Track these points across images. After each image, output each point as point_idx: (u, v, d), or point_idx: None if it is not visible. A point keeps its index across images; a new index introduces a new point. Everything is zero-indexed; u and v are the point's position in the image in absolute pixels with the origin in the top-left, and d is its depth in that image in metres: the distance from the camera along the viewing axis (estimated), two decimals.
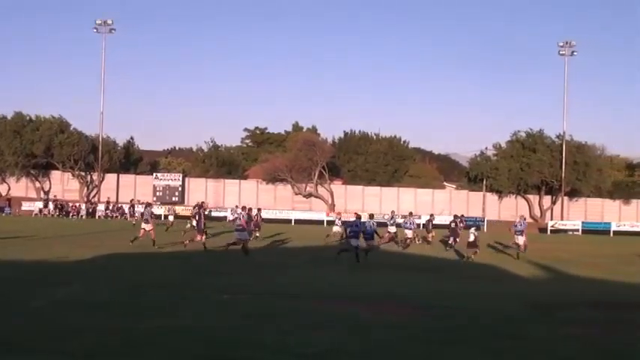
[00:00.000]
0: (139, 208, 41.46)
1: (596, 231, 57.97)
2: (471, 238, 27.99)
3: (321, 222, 53.80)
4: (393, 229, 33.47)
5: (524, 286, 21.01)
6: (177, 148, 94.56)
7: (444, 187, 75.06)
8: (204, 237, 26.45)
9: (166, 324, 11.19)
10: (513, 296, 17.29)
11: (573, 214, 63.01)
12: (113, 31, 60.19)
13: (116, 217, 55.25)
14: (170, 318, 11.93)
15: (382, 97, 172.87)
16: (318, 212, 59.19)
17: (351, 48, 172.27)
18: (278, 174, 61.50)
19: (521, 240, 30.06)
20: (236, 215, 29.22)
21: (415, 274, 22.52)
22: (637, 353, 10.67)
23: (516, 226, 31.16)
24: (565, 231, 57.09)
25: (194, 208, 31.45)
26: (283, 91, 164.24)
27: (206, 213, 29.47)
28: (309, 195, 63.25)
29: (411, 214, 35.82)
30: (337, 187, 65.46)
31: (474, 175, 66.62)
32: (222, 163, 69.20)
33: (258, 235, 33.46)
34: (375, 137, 72.14)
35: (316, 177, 62.47)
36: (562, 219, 61.12)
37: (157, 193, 60.27)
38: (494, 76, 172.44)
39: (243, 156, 78.81)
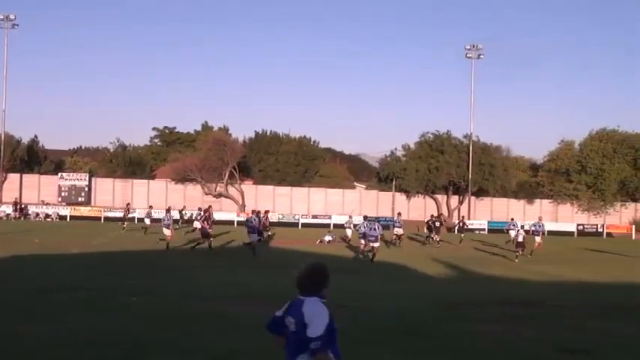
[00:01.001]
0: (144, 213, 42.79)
1: (501, 230, 62.08)
2: (520, 239, 31.96)
3: (231, 222, 54.44)
4: (400, 230, 37.73)
5: (435, 285, 21.94)
6: (83, 148, 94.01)
7: (354, 187, 77.02)
8: (209, 240, 28.90)
9: (68, 327, 11.35)
10: (424, 295, 18.11)
11: (480, 214, 66.12)
12: (16, 26, 59.67)
13: (19, 217, 54.41)
14: (74, 321, 12.06)
15: (293, 97, 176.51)
16: (228, 212, 59.68)
17: (263, 47, 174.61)
18: (188, 174, 62.14)
19: (537, 239, 34.96)
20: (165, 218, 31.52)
21: (330, 275, 23.98)
22: (542, 349, 11.38)
23: (535, 226, 36.40)
24: (472, 230, 59.84)
25: (202, 212, 32.47)
26: (193, 90, 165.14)
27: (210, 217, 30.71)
28: (220, 195, 63.95)
29: (399, 214, 41.05)
30: (248, 187, 66.53)
31: (383, 175, 68.97)
32: (130, 163, 69.35)
33: (270, 234, 38.26)
34: (285, 137, 73.67)
35: (227, 177, 63.43)
36: (469, 218, 62.94)
37: (63, 194, 60.05)
38: (404, 77, 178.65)
39: (152, 156, 78.85)
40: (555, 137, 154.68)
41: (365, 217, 32.91)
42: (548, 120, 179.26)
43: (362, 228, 30.97)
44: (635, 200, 69.89)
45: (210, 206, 33.45)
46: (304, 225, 56.62)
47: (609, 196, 68.05)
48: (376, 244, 28.64)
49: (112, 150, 73.27)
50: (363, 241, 30.48)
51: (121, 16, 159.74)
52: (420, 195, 67.53)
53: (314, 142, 75.24)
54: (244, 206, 62.51)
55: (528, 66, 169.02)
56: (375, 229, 28.80)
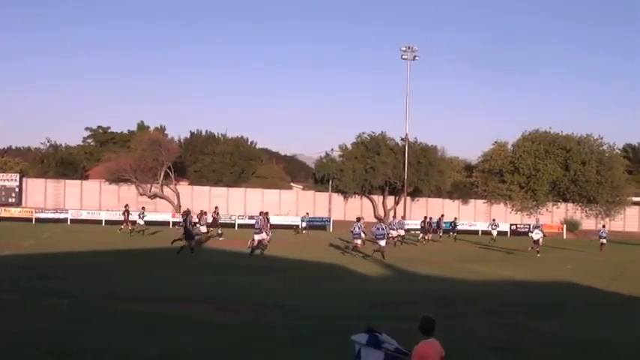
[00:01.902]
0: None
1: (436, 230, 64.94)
2: (535, 237, 38.31)
3: (167, 223, 55.42)
4: (402, 232, 41.83)
5: (369, 284, 22.58)
6: (14, 148, 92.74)
7: (290, 188, 77.70)
8: (192, 242, 29.92)
9: None
10: (358, 294, 18.73)
11: (415, 214, 66.41)
12: None
13: None
14: (1, 324, 12.25)
15: (229, 97, 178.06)
16: (163, 213, 60.33)
17: (199, 46, 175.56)
18: (122, 174, 62.18)
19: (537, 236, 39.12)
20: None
21: (263, 275, 23.68)
22: (471, 347, 11.96)
23: (491, 226, 45.49)
24: (408, 230, 63.12)
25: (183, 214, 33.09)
26: (128, 89, 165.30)
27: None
28: (155, 196, 64.34)
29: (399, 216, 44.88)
30: (183, 187, 66.92)
31: (320, 176, 69.99)
32: (62, 163, 68.82)
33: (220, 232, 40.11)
34: (222, 137, 74.43)
35: (162, 177, 63.68)
36: (404, 218, 67.19)
37: None
38: (341, 78, 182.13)
39: (86, 156, 78.02)
40: (489, 138, 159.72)
41: (358, 219, 35.43)
42: (482, 121, 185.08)
43: (356, 229, 33.87)
44: (565, 200, 72.34)
45: (188, 209, 34.88)
46: (240, 226, 57.22)
47: (541, 197, 70.59)
48: (382, 242, 32.22)
49: (43, 150, 72.62)
50: (358, 241, 33.43)
51: (50, 14, 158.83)
52: (356, 195, 68.87)
53: (251, 142, 76.28)
54: (180, 207, 62.19)
55: (463, 68, 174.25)
56: (382, 228, 32.92)
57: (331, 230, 58.32)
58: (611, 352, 12.12)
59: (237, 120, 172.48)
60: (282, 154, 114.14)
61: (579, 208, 72.41)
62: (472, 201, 71.85)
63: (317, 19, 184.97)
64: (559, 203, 72.65)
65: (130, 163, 62.44)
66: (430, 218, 51.75)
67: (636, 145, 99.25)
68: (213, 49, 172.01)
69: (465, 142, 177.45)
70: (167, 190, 65.26)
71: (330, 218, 63.32)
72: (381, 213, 68.36)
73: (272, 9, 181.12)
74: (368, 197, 69.69)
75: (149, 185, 64.83)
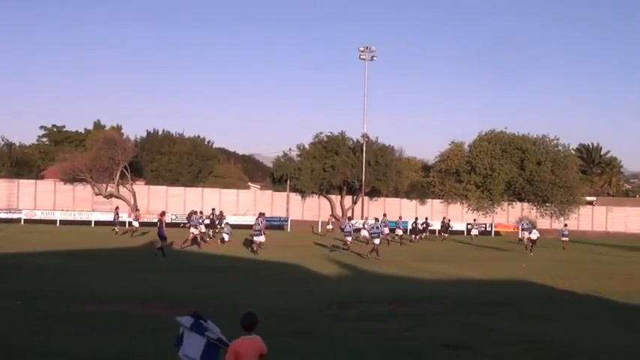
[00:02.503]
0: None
1: (394, 229, 66.32)
2: (534, 237, 43.14)
3: (122, 223, 53.74)
4: (386, 230, 43.56)
5: (327, 284, 22.74)
6: None
7: (248, 188, 78.82)
8: (165, 242, 30.43)
9: None
10: (315, 294, 18.86)
11: (373, 214, 68.43)
12: None
13: None
14: None
15: (187, 97, 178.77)
16: (119, 213, 58.10)
17: (156, 46, 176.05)
18: (77, 174, 61.93)
19: (527, 235, 44.83)
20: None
21: (221, 275, 23.85)
22: (426, 345, 12.10)
23: (522, 225, 48.60)
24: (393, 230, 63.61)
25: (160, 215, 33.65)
26: (83, 88, 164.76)
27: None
28: (110, 195, 64.17)
29: (384, 215, 48.72)
30: (140, 187, 66.84)
31: (278, 175, 70.52)
32: (16, 163, 68.61)
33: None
34: (179, 137, 74.70)
35: (118, 177, 63.62)
36: (362, 218, 64.90)
37: None
38: (300, 78, 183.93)
39: (40, 155, 77.85)
40: (446, 138, 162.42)
41: (349, 218, 39.87)
42: (439, 121, 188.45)
43: (347, 227, 37.01)
44: (521, 200, 73.86)
45: (163, 212, 35.38)
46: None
47: (497, 196, 72.02)
48: (377, 241, 34.10)
49: None
50: (349, 239, 36.02)
51: (6, 11, 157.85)
52: (314, 195, 69.57)
53: (208, 142, 76.54)
54: (136, 207, 62.52)
55: (421, 69, 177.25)
56: (378, 227, 35.26)
57: (289, 230, 58.86)
58: (564, 349, 12.33)
59: (195, 119, 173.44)
60: (240, 153, 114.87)
61: (534, 208, 73.82)
62: (429, 201, 72.87)
63: (276, 19, 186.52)
64: (514, 203, 73.99)
65: (85, 163, 62.31)
66: (416, 219, 55.75)
67: (590, 145, 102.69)
68: (170, 49, 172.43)
69: (423, 143, 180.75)
70: (123, 190, 65.21)
71: (287, 218, 63.75)
72: (339, 213, 68.91)
73: (232, 9, 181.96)
74: (326, 197, 70.31)
75: (105, 185, 64.60)
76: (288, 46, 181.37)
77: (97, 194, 64.70)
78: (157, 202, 61.32)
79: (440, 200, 73.13)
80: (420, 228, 53.93)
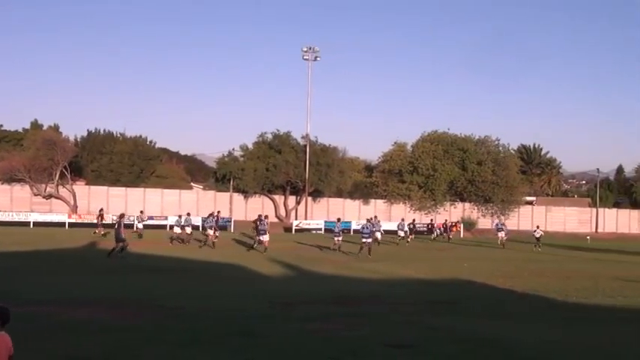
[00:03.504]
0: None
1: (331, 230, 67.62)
2: (538, 235, 49.19)
3: (62, 224, 55.74)
4: (378, 234, 45.56)
5: (269, 284, 22.86)
6: None
7: (191, 188, 79.57)
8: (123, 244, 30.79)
9: None
10: (258, 295, 18.95)
11: (317, 214, 69.85)
12: None
13: None
14: None
15: (128, 96, 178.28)
16: (59, 214, 60.32)
17: (97, 44, 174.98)
18: (15, 174, 61.82)
19: (501, 234, 51.48)
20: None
21: (163, 276, 24.04)
22: (371, 345, 12.21)
23: (497, 225, 54.98)
24: (309, 230, 63.26)
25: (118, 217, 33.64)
26: (20, 86, 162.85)
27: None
28: (50, 196, 64.44)
29: (376, 217, 50.77)
30: (80, 187, 67.15)
31: (221, 175, 71.40)
32: None
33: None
34: (120, 137, 74.82)
35: (57, 177, 63.74)
36: (306, 218, 67.45)
37: None
38: (244, 77, 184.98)
39: None
40: (390, 139, 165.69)
41: (338, 219, 41.61)
42: (383, 122, 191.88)
43: (336, 228, 39.79)
44: (463, 200, 76.11)
45: (123, 213, 35.48)
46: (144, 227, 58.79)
47: (439, 196, 73.99)
48: (368, 240, 36.13)
49: None
50: (336, 239, 38.66)
51: None
52: (257, 195, 70.58)
53: (150, 141, 76.72)
54: (76, 207, 62.79)
55: (365, 70, 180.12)
56: (367, 227, 37.08)
57: (232, 230, 59.17)
58: (508, 347, 12.57)
59: (136, 119, 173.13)
60: (183, 153, 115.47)
61: (476, 208, 76.12)
62: (372, 201, 74.38)
63: (220, 18, 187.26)
64: (456, 203, 76.03)
65: (23, 163, 61.99)
66: (411, 220, 59.47)
67: (530, 146, 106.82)
68: (110, 47, 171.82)
69: (367, 143, 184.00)
70: (63, 191, 65.18)
71: (231, 219, 64.06)
72: (283, 213, 69.83)
73: (176, 8, 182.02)
74: (269, 197, 71.13)
75: (44, 185, 64.53)
76: (233, 44, 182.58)
77: (35, 195, 64.48)
78: (98, 203, 60.92)
79: (383, 200, 74.50)
80: (412, 229, 56.86)
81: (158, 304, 16.36)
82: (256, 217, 41.57)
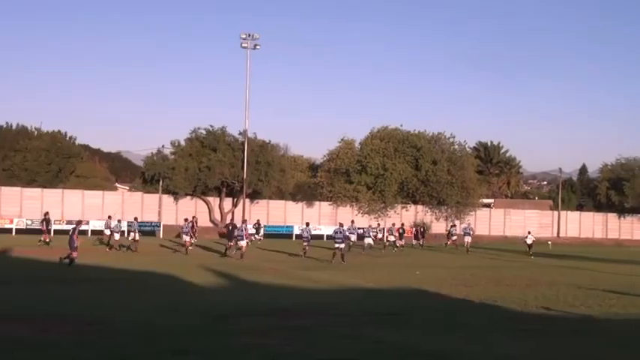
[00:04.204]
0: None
1: (278, 234, 64.49)
2: (530, 241, 49.96)
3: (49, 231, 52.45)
4: (354, 237, 47.87)
5: (203, 296, 22.54)
6: None
7: (115, 189, 77.17)
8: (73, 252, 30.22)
9: None
10: (191, 307, 18.55)
11: (255, 217, 65.02)
12: None
13: None
14: None
15: (45, 88, 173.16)
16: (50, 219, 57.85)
17: (11, 34, 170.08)
18: None
19: (467, 239, 51.95)
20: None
21: (86, 287, 23.43)
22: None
23: (466, 229, 54.57)
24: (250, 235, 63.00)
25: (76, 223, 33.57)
26: None
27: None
28: None
29: (352, 222, 51.19)
30: None
31: (149, 175, 68.59)
32: None
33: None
34: (35, 132, 72.07)
35: None
36: (244, 223, 66.98)
37: None
38: (175, 70, 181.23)
39: None
40: (336, 136, 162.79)
41: (307, 224, 43.78)
42: (329, 118, 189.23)
43: (304, 233, 41.57)
44: (415, 202, 74.62)
45: (80, 220, 35.39)
46: (57, 232, 55.05)
47: (390, 198, 72.25)
48: (341, 245, 36.42)
49: None
50: (305, 244, 40.27)
51: None
52: (189, 197, 68.33)
53: (69, 137, 73.97)
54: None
55: (309, 61, 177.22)
56: (340, 231, 37.45)
57: (161, 236, 57.64)
58: None
59: (54, 113, 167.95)
60: (106, 151, 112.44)
61: (429, 210, 74.79)
62: (317, 203, 72.59)
63: (144, 7, 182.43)
64: (408, 205, 74.67)
65: None
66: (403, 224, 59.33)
67: (488, 143, 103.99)
68: (24, 35, 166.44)
69: (311, 140, 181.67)
70: None
71: (160, 223, 62.50)
72: (218, 217, 68.28)
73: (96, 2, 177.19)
74: (202, 199, 69.26)
75: None
76: (161, 31, 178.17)
77: None
78: (10, 205, 59.66)
79: (328, 203, 72.93)
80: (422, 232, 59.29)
81: (82, 319, 15.61)
82: (228, 222, 45.04)
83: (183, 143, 70.06)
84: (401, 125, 76.99)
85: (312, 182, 75.13)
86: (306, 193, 72.95)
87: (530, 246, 49.83)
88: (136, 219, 45.36)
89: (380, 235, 55.98)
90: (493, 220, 76.73)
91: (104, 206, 64.11)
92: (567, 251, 55.68)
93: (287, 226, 66.48)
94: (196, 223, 46.75)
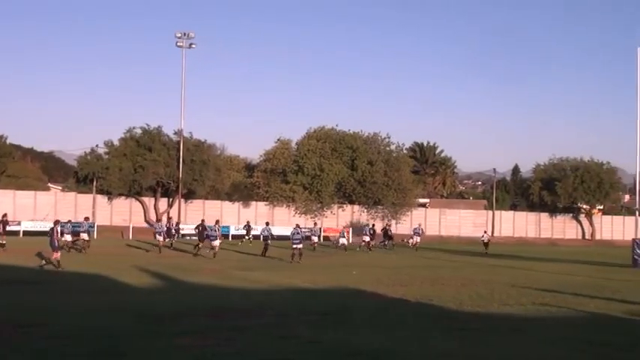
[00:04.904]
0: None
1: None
2: (485, 239, 55.20)
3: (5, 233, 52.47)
4: (315, 238, 51.77)
5: (138, 296, 22.23)
6: None
7: (48, 189, 76.54)
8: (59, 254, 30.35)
9: None
10: (125, 308, 18.35)
11: (191, 218, 66.11)
12: None
13: None
14: None
15: None
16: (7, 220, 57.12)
17: None
18: None
19: (417, 239, 55.79)
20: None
21: (16, 289, 22.97)
22: None
23: (416, 229, 58.36)
24: (184, 235, 59.71)
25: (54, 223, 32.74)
26: None
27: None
28: None
29: (315, 223, 57.51)
30: None
31: (83, 175, 67.85)
32: None
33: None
34: None
35: None
36: (179, 223, 62.99)
37: None
38: (111, 69, 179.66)
39: None
40: (273, 136, 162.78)
41: (267, 223, 47.85)
42: (266, 118, 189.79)
43: (265, 232, 44.62)
44: (352, 202, 75.23)
45: (57, 220, 34.28)
46: None
47: (326, 198, 72.81)
48: (300, 246, 37.95)
49: None
50: (268, 242, 42.91)
51: None
52: (124, 197, 68.04)
53: (0, 137, 73.15)
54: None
55: (246, 61, 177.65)
56: (298, 232, 38.91)
57: (95, 237, 56.14)
58: None
59: None
60: (38, 150, 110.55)
61: (365, 210, 75.37)
62: (253, 203, 72.81)
63: (80, 5, 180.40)
64: (345, 205, 75.19)
65: None
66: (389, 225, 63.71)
67: (424, 144, 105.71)
68: None
69: (247, 140, 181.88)
70: None
71: (94, 223, 60.77)
72: (153, 217, 67.82)
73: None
74: (137, 199, 68.90)
75: None
76: (96, 27, 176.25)
77: None
78: None
79: (265, 203, 73.14)
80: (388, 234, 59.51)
81: (11, 322, 15.20)
82: (199, 222, 45.44)
83: (117, 143, 69.39)
84: (336, 125, 77.60)
85: (249, 182, 75.14)
86: (242, 193, 73.07)
87: (486, 244, 54.22)
88: (86, 219, 45.22)
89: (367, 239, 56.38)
90: (429, 220, 77.31)
91: (36, 207, 63.60)
92: (501, 250, 56.40)
93: (223, 227, 66.54)
94: (172, 224, 50.52)
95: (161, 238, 43.84)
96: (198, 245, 41.75)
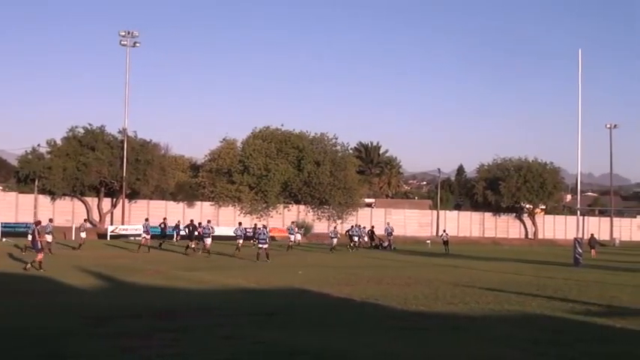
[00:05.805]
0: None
1: (159, 235, 64.83)
2: (446, 238, 59.48)
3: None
4: (292, 237, 54.27)
5: (81, 297, 22.05)
6: None
7: None
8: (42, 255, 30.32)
9: None
10: (68, 309, 18.28)
11: (136, 218, 65.82)
12: None
13: None
14: None
15: None
16: None
17: None
18: None
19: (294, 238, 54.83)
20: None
21: None
22: None
23: (387, 229, 60.81)
24: (126, 236, 60.92)
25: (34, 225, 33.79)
26: None
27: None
28: None
29: (293, 222, 58.43)
30: None
31: (24, 174, 67.35)
32: None
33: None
34: None
35: None
36: (123, 223, 65.30)
37: None
38: (56, 64, 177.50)
39: None
40: (218, 135, 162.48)
41: (240, 223, 49.95)
42: (211, 118, 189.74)
43: (238, 231, 46.08)
44: (298, 202, 75.75)
45: (39, 220, 35.47)
46: None
47: (272, 198, 73.12)
48: (265, 246, 39.63)
49: None
50: (240, 242, 45.03)
51: None
52: (67, 197, 67.60)
53: None
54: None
55: (191, 60, 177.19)
56: (264, 232, 40.92)
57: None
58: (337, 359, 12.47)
59: None
60: None
61: (311, 210, 75.89)
62: (199, 203, 72.81)
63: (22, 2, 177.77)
64: (290, 205, 75.62)
65: None
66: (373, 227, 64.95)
67: (369, 144, 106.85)
68: None
69: (192, 140, 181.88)
70: None
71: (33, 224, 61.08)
72: (96, 217, 67.49)
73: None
74: (80, 199, 68.45)
75: None
76: (36, 25, 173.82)
77: None
78: None
79: (210, 203, 73.20)
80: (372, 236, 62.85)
81: None
82: (189, 221, 48.36)
83: (59, 142, 68.91)
84: (282, 125, 78.05)
85: (194, 182, 75.18)
86: (187, 193, 73.08)
87: (446, 243, 58.15)
88: (51, 220, 45.09)
89: (366, 239, 59.89)
90: (374, 220, 77.09)
91: None
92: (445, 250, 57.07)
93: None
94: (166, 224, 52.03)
95: (148, 237, 46.11)
96: (189, 245, 44.48)
